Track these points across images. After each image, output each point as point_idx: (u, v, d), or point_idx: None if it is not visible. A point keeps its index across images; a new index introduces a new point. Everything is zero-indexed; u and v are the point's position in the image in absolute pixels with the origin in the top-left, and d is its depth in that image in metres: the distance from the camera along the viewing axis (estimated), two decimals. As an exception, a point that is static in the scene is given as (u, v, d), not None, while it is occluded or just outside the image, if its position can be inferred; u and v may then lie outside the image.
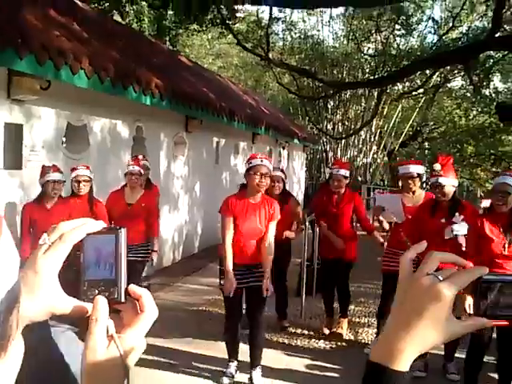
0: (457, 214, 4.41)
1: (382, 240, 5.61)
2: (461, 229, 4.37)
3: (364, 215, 5.82)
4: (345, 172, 5.66)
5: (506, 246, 3.95)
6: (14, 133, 5.58)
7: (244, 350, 4.64)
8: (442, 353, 4.87)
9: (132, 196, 5.60)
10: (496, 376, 4.21)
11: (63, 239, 0.71)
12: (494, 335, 4.12)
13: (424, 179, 5.20)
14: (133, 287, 0.74)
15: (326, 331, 5.81)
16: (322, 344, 5.56)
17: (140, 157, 6.25)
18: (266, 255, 4.36)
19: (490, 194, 4.16)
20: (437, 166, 4.49)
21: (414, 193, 5.15)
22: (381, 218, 5.20)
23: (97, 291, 0.72)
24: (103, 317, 0.71)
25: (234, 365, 4.62)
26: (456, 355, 4.81)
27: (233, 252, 4.34)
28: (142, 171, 5.68)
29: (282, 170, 6.00)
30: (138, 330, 0.73)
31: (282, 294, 6.00)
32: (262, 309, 4.54)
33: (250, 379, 4.54)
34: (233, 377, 4.57)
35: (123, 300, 0.73)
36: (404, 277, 0.74)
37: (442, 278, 0.70)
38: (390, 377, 0.70)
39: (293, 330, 5.90)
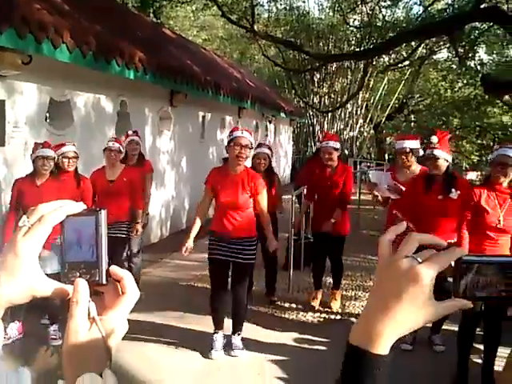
0: (453, 189, 4.39)
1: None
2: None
3: (349, 190, 5.78)
4: (334, 143, 5.65)
5: (502, 218, 3.95)
6: (-4, 109, 5.47)
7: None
8: (429, 325, 4.95)
9: (113, 172, 5.56)
10: (481, 347, 4.30)
11: (43, 221, 0.70)
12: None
13: (421, 154, 5.16)
14: (114, 269, 0.74)
15: (315, 304, 5.87)
16: (309, 317, 5.61)
17: (130, 132, 6.23)
18: (265, 224, 4.63)
19: (490, 166, 4.13)
20: (434, 139, 4.49)
21: (408, 168, 5.13)
22: (375, 192, 5.19)
23: (78, 273, 0.72)
24: (84, 299, 0.70)
25: (219, 336, 4.68)
26: (443, 327, 4.90)
27: (215, 222, 4.58)
28: (122, 149, 5.63)
29: (268, 147, 5.97)
30: (120, 312, 0.73)
31: (271, 269, 6.04)
32: (242, 282, 4.65)
33: (230, 341, 4.67)
34: (221, 349, 4.63)
35: (104, 282, 0.73)
36: (383, 259, 0.72)
37: (420, 260, 0.69)
38: (370, 360, 0.69)
39: (281, 304, 5.95)
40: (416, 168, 5.16)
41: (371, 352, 0.69)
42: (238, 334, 4.72)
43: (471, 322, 4.16)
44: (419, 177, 4.78)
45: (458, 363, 4.17)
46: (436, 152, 4.44)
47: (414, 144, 5.13)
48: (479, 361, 4.35)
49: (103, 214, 0.73)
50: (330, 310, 5.78)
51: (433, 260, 0.69)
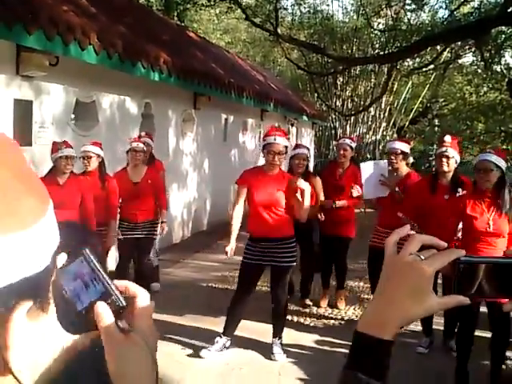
0: (459, 189, 4.45)
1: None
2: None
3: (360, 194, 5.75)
4: (350, 141, 5.70)
5: (491, 222, 3.93)
6: (24, 109, 5.57)
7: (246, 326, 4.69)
8: (442, 328, 4.92)
9: (136, 174, 5.60)
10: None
11: None
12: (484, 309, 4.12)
13: (411, 161, 5.22)
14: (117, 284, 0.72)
15: (323, 303, 5.97)
16: (331, 320, 5.61)
17: (142, 133, 6.29)
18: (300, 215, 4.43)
19: (474, 172, 4.14)
20: (447, 138, 4.55)
21: (396, 170, 5.16)
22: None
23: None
24: (109, 317, 0.67)
25: (222, 341, 4.58)
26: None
27: (252, 223, 4.53)
28: (145, 148, 5.69)
29: (307, 148, 5.86)
30: (144, 316, 0.71)
31: (307, 271, 6.06)
32: (282, 287, 4.59)
33: (272, 345, 4.63)
34: (216, 352, 4.54)
35: (124, 303, 0.70)
36: (389, 257, 0.81)
37: (423, 258, 0.78)
38: (377, 345, 0.78)
39: (295, 308, 5.93)
40: (403, 172, 5.18)
41: (378, 337, 0.78)
42: (279, 338, 4.65)
43: (467, 325, 4.11)
44: (422, 182, 4.81)
45: (457, 368, 4.11)
46: (450, 150, 4.50)
47: (405, 147, 5.19)
48: (486, 362, 4.30)
49: (87, 251, 0.72)
50: (350, 314, 5.76)
51: (434, 258, 0.78)
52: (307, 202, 4.33)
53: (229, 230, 4.64)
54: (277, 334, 4.65)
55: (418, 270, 0.77)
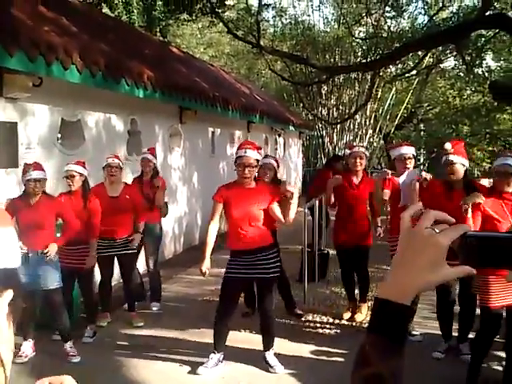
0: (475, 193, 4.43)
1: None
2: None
3: (377, 204, 5.80)
4: (364, 150, 5.77)
5: None
6: (9, 131, 5.53)
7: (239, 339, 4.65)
8: (456, 334, 4.90)
9: (113, 189, 5.60)
10: (503, 354, 4.23)
11: None
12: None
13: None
14: None
15: (346, 315, 5.84)
16: (326, 329, 5.58)
17: (145, 149, 6.59)
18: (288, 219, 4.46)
19: (493, 176, 4.18)
20: (447, 145, 4.57)
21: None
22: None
23: None
24: None
25: (216, 357, 4.55)
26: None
27: (232, 239, 4.49)
28: (122, 164, 5.69)
29: (275, 159, 5.98)
30: None
31: (282, 282, 5.96)
32: (269, 298, 4.58)
33: (265, 359, 4.58)
34: (211, 368, 4.51)
35: None
36: (405, 230, 0.90)
37: (438, 231, 0.86)
38: (397, 309, 0.86)
39: (290, 318, 5.89)
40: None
41: (398, 302, 0.86)
42: (272, 350, 4.63)
43: (491, 332, 4.10)
44: (438, 184, 4.80)
45: (469, 370, 4.10)
46: (451, 157, 4.51)
47: (413, 150, 5.39)
48: (499, 368, 4.30)
49: None
50: (346, 322, 5.73)
51: (447, 231, 0.86)
52: (295, 206, 4.39)
53: (203, 249, 4.60)
54: (269, 346, 4.62)
55: (435, 243, 0.85)
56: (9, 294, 0.68)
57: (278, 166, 5.98)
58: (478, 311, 4.42)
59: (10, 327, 0.74)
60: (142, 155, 6.38)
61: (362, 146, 6.02)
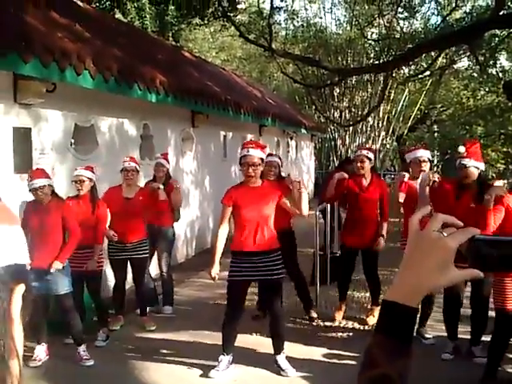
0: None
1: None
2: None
3: (387, 206, 5.77)
4: (367, 152, 5.67)
5: None
6: (23, 136, 5.60)
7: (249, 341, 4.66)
8: (468, 337, 4.88)
9: (129, 191, 5.67)
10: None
11: None
12: None
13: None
14: None
15: (338, 316, 5.83)
16: (338, 332, 5.56)
17: (158, 155, 6.62)
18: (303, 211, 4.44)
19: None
20: (461, 149, 4.56)
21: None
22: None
23: None
24: None
25: (226, 359, 4.55)
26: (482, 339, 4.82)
27: (238, 240, 4.47)
28: (138, 167, 5.74)
29: (278, 156, 6.02)
30: None
31: (300, 283, 5.98)
32: (277, 301, 4.58)
33: (276, 362, 4.57)
34: (223, 371, 4.51)
35: None
36: (413, 233, 0.92)
37: (446, 234, 0.88)
38: (405, 311, 0.88)
39: (302, 321, 5.89)
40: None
41: (406, 305, 0.88)
42: (283, 353, 4.62)
43: (507, 330, 4.08)
44: (450, 185, 4.77)
45: (486, 372, 4.07)
46: (464, 161, 4.49)
47: (428, 154, 5.45)
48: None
49: None
50: (358, 326, 5.72)
51: (455, 235, 0.88)
52: (306, 196, 4.41)
53: (212, 253, 4.61)
54: (280, 349, 4.60)
55: (443, 245, 0.87)
56: (21, 287, 0.72)
57: (282, 164, 5.98)
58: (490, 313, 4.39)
59: (20, 323, 0.78)
60: (156, 160, 6.43)
61: (366, 149, 5.94)
